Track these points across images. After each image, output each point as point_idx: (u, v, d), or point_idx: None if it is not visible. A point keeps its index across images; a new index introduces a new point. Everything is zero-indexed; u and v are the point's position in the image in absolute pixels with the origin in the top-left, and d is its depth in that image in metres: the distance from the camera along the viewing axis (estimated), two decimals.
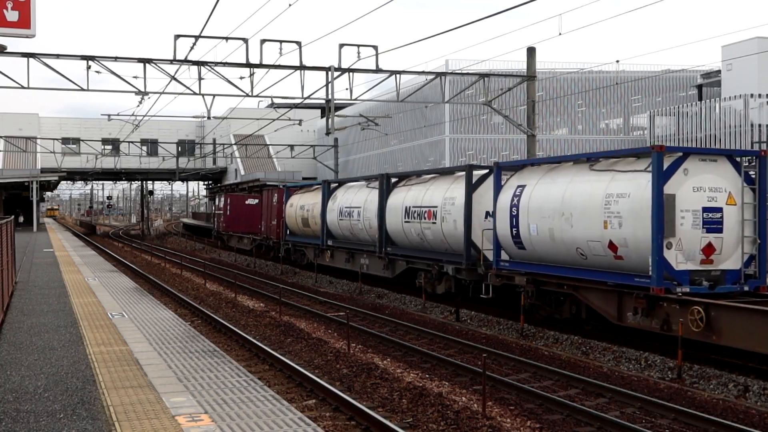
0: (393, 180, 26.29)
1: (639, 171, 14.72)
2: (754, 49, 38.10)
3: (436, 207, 22.21)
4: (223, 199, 47.79)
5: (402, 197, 24.55)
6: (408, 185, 24.99)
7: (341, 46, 26.28)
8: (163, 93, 28.97)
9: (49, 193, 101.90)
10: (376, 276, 27.26)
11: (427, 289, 22.55)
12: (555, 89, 45.09)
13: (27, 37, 13.89)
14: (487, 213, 20.24)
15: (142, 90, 26.17)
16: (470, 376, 13.11)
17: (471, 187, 20.82)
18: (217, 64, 25.64)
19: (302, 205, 32.78)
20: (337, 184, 31.70)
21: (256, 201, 43.24)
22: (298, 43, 25.57)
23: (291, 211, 34.17)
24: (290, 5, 20.33)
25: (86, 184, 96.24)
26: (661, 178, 13.98)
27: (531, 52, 27.16)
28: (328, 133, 28.44)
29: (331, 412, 10.72)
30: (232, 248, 47.28)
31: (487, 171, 21.00)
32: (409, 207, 23.79)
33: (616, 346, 15.33)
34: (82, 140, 60.27)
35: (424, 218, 22.82)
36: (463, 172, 21.47)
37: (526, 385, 12.32)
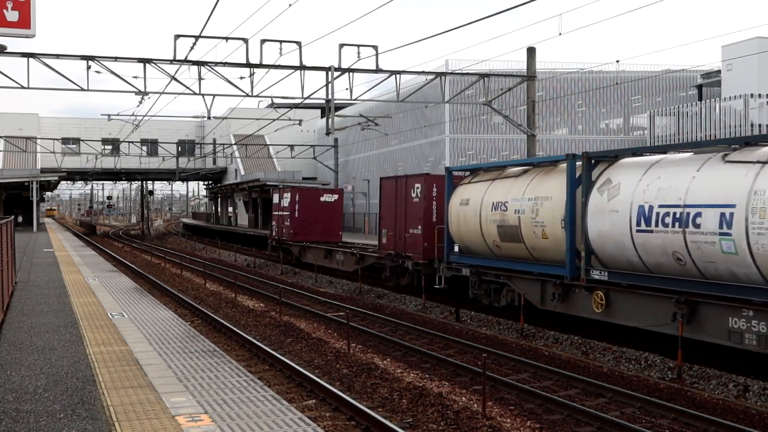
0: None
1: None
2: (754, 49, 38.09)
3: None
4: (287, 195, 36.02)
5: None
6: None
7: (341, 46, 26.28)
8: (163, 93, 28.97)
9: (49, 193, 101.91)
10: None
11: None
12: (555, 89, 45.08)
13: (27, 37, 13.89)
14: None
15: (142, 90, 26.17)
16: (470, 376, 13.11)
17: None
18: (217, 64, 25.64)
19: (497, 203, 18.57)
20: (609, 161, 16.12)
21: (335, 197, 35.74)
22: (298, 43, 25.58)
23: (462, 212, 20.13)
24: (290, 5, 20.33)
25: (86, 184, 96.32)
26: None
27: (531, 52, 27.16)
28: (328, 133, 28.44)
29: (331, 412, 10.72)
30: (307, 265, 33.87)
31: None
32: None
33: (616, 346, 15.33)
34: (82, 140, 60.30)
35: None
36: None
37: (526, 385, 12.31)
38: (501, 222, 18.39)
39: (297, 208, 35.00)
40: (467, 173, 21.58)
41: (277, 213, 37.93)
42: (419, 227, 23.06)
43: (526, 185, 17.83)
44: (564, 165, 16.89)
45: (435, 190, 22.88)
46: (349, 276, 29.96)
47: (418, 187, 23.48)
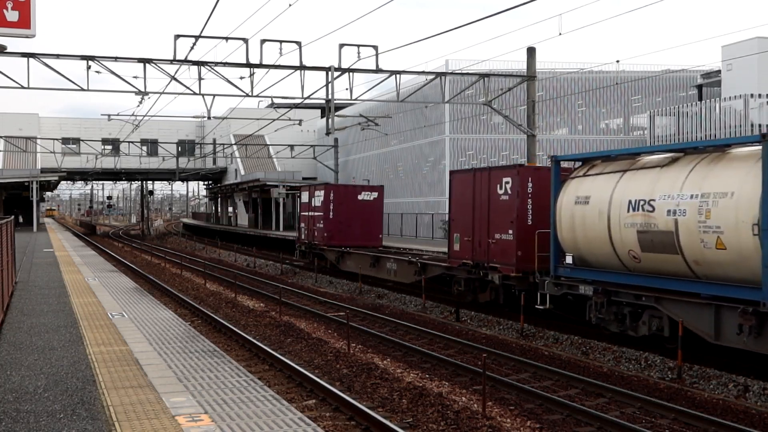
0: None
1: None
2: (754, 49, 38.08)
3: None
4: (320, 193, 31.98)
5: None
6: None
7: (341, 46, 26.28)
8: (163, 93, 28.97)
9: (49, 193, 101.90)
10: None
11: None
12: (555, 89, 45.07)
13: (27, 37, 13.88)
14: None
15: (142, 90, 26.17)
16: (470, 376, 13.11)
17: None
18: (217, 64, 25.64)
19: (637, 201, 14.55)
20: None
21: (374, 195, 31.59)
22: (298, 43, 25.57)
23: (579, 213, 15.96)
24: (290, 5, 20.33)
25: (86, 184, 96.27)
26: None
27: (531, 52, 27.16)
28: (328, 133, 28.44)
29: (331, 412, 10.72)
30: (347, 274, 29.56)
31: None
32: None
33: (616, 346, 15.33)
34: (82, 140, 60.30)
35: None
36: None
37: (526, 385, 12.32)
38: (644, 227, 14.15)
39: (332, 207, 30.89)
40: (577, 163, 17.38)
41: (306, 214, 33.53)
42: (510, 232, 18.77)
43: (684, 177, 13.58)
44: (742, 150, 13.03)
45: (531, 184, 18.67)
46: (401, 288, 25.73)
47: (507, 182, 19.05)
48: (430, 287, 23.21)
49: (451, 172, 22.30)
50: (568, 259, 16.48)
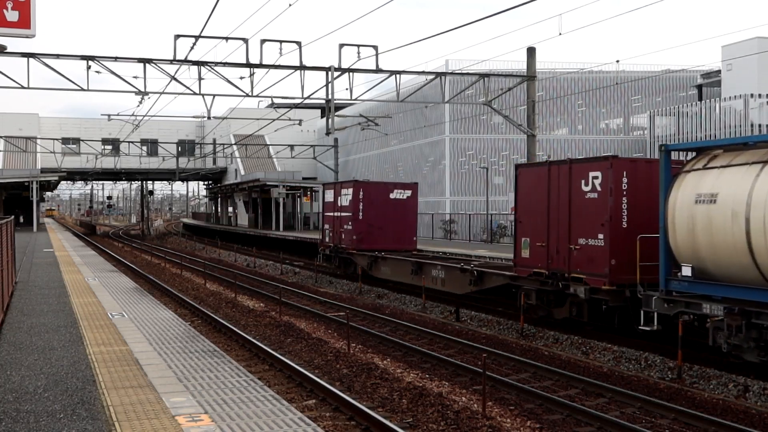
0: None
1: None
2: (754, 49, 38.10)
3: None
4: (348, 192, 28.95)
5: None
6: None
7: (341, 46, 26.29)
8: (163, 93, 28.98)
9: (49, 193, 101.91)
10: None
11: None
12: (555, 89, 45.09)
13: (27, 37, 13.88)
14: None
15: (142, 90, 26.18)
16: (470, 376, 13.11)
17: None
18: (217, 64, 25.65)
19: None
20: None
21: (408, 194, 28.58)
22: (298, 43, 25.58)
23: (701, 215, 13.22)
24: (290, 5, 20.34)
25: (86, 184, 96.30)
26: None
27: (531, 52, 27.17)
28: (328, 133, 28.46)
29: (331, 412, 10.72)
30: (380, 282, 26.67)
31: None
32: None
33: (616, 346, 15.33)
34: (82, 140, 60.33)
35: None
36: None
37: (526, 385, 12.31)
38: None
39: (361, 207, 27.87)
40: (691, 154, 14.55)
41: (331, 214, 30.39)
42: (601, 236, 15.80)
43: None
44: None
45: (626, 180, 15.84)
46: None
47: (595, 177, 16.13)
48: (484, 298, 21.42)
49: (518, 166, 19.26)
50: (686, 271, 13.50)
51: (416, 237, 29.03)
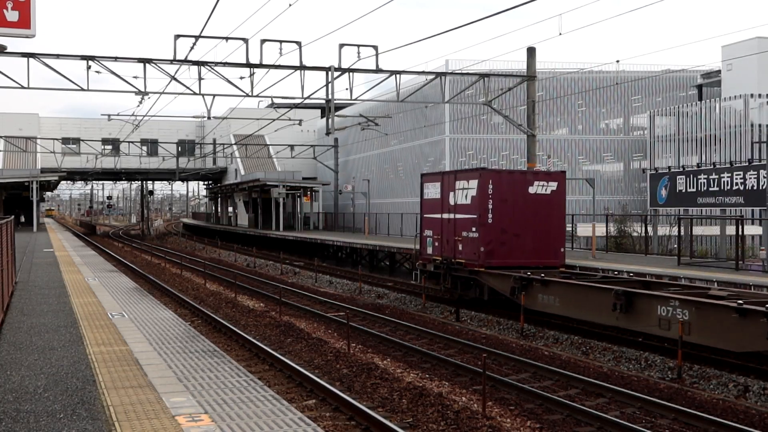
0: None
1: None
2: (754, 49, 38.09)
3: None
4: (470, 185, 21.25)
5: None
6: None
7: (341, 46, 26.30)
8: (163, 93, 28.98)
9: (49, 193, 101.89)
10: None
11: None
12: (555, 89, 45.08)
13: (27, 37, 13.87)
14: None
15: (142, 90, 26.18)
16: (470, 376, 13.11)
17: None
18: (217, 64, 25.65)
19: None
20: None
21: (553, 186, 21.06)
22: (298, 43, 25.58)
23: None
24: (290, 5, 20.34)
25: (86, 184, 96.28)
26: None
27: (531, 52, 27.17)
28: (328, 133, 28.46)
29: (331, 412, 10.72)
30: (542, 318, 18.85)
31: None
32: None
33: (616, 346, 15.33)
34: (82, 140, 60.30)
35: None
36: None
37: (526, 385, 12.32)
38: None
39: (491, 206, 20.47)
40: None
41: (437, 216, 22.70)
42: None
43: None
44: None
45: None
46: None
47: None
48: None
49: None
50: None
51: (564, 248, 21.37)
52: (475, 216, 20.78)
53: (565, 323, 17.94)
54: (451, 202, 21.89)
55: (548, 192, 21.08)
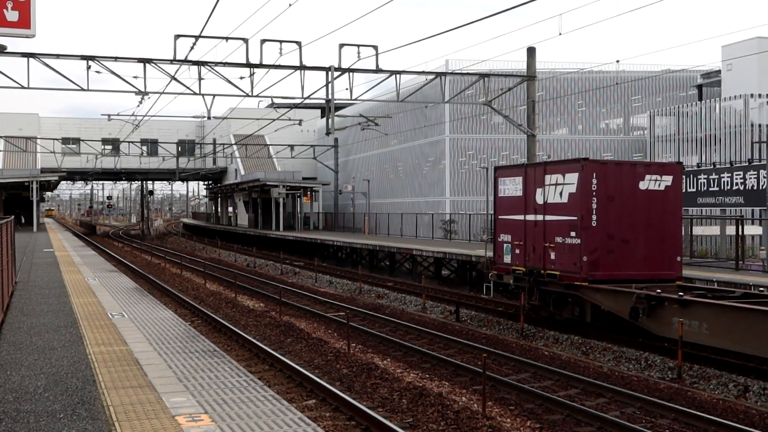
0: None
1: None
2: (754, 49, 38.10)
3: None
4: (566, 180, 17.36)
5: None
6: None
7: (341, 46, 26.29)
8: (163, 93, 28.98)
9: (49, 193, 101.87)
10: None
11: None
12: (555, 89, 45.09)
13: (27, 37, 13.88)
14: None
15: (142, 90, 26.18)
16: (470, 376, 13.11)
17: None
18: (217, 64, 25.65)
19: None
20: None
21: (668, 181, 17.41)
22: (298, 43, 25.58)
23: None
24: (290, 5, 20.34)
25: (86, 184, 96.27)
26: None
27: (531, 52, 27.18)
28: (328, 133, 28.46)
29: (331, 412, 10.72)
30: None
31: None
32: None
33: (616, 346, 15.33)
34: (82, 140, 60.30)
35: None
36: None
37: (526, 385, 12.32)
38: None
39: (595, 206, 16.74)
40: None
41: (519, 217, 18.79)
42: None
43: None
44: None
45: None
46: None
47: None
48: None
49: None
50: None
51: (681, 257, 17.64)
52: (574, 218, 16.92)
53: (718, 356, 14.09)
54: (539, 201, 18.04)
55: (662, 188, 17.38)
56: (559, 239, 17.36)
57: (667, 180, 17.45)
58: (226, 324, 18.12)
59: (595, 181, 16.76)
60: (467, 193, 45.32)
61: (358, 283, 26.79)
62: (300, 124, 49.19)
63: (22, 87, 24.53)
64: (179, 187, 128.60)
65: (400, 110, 45.86)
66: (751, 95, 38.33)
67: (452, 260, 28.64)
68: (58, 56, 24.49)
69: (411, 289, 25.52)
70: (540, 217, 17.95)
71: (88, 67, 24.69)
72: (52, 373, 9.12)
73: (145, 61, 25.08)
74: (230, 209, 74.17)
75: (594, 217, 16.73)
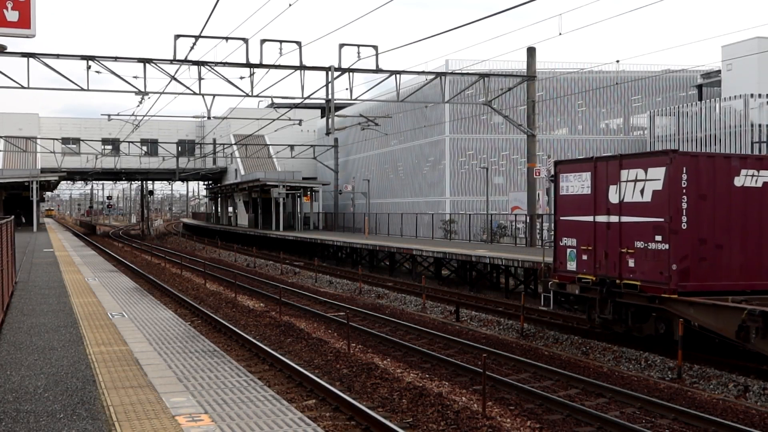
0: None
1: None
2: (754, 49, 38.11)
3: None
4: (649, 175, 14.73)
5: None
6: None
7: (341, 46, 26.30)
8: (163, 93, 28.99)
9: (49, 193, 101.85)
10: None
11: None
12: (555, 89, 45.09)
13: (27, 37, 13.87)
14: None
15: (142, 90, 26.20)
16: (470, 376, 13.11)
17: None
18: (217, 64, 25.66)
19: None
20: None
21: (766, 176, 15.04)
22: (298, 43, 25.59)
23: None
24: (290, 5, 20.34)
25: (86, 184, 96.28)
26: None
27: (531, 52, 27.19)
28: (328, 133, 28.48)
29: (331, 412, 10.72)
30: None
31: None
32: None
33: (616, 346, 15.33)
34: (82, 140, 60.33)
35: None
36: None
37: (526, 385, 12.32)
38: None
39: (685, 205, 14.48)
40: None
41: (587, 219, 16.43)
42: None
43: None
44: None
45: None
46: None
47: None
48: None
49: None
50: None
51: None
52: (661, 219, 14.56)
53: None
54: (613, 200, 15.68)
55: (759, 184, 15.12)
56: (639, 244, 14.99)
57: (765, 176, 15.14)
58: (226, 324, 18.12)
59: (685, 176, 14.48)
60: (467, 193, 45.32)
61: (358, 283, 26.79)
62: (300, 124, 49.21)
63: (22, 87, 24.54)
64: (179, 187, 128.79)
65: (400, 110, 45.86)
66: (751, 95, 38.33)
67: (452, 260, 28.68)
68: (58, 56, 24.50)
69: (411, 289, 25.52)
70: (614, 219, 15.57)
71: (88, 67, 24.71)
72: (52, 373, 9.12)
73: (145, 61, 25.08)
74: (230, 209, 74.18)
75: (684, 219, 14.46)
